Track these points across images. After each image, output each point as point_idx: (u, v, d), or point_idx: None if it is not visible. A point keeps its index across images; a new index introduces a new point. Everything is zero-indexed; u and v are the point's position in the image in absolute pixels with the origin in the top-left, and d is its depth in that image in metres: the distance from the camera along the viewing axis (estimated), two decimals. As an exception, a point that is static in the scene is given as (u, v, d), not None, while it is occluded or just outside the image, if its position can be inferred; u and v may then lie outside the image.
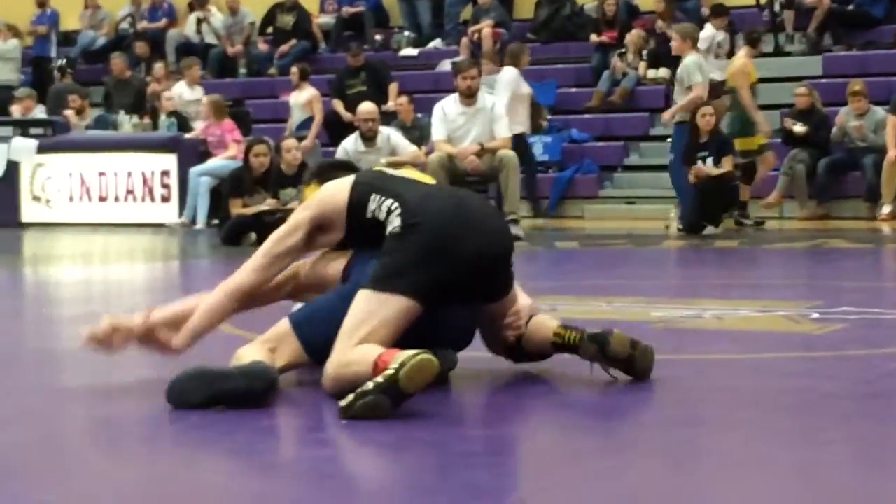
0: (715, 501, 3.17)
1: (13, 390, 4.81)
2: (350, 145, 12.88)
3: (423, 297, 4.37)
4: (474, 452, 3.71)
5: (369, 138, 12.80)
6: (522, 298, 4.84)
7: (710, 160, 12.97)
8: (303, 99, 16.85)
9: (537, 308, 4.91)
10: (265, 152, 12.62)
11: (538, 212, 15.44)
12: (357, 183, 4.69)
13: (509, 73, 14.38)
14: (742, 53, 14.12)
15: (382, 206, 4.52)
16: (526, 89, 14.72)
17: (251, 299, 4.77)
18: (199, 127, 16.17)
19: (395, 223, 4.45)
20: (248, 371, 4.27)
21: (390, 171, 5.05)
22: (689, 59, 13.25)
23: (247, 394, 4.23)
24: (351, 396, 3.98)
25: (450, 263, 4.39)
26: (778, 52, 16.73)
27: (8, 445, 3.86)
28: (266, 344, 4.53)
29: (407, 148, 12.96)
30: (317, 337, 4.50)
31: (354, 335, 4.29)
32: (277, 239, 4.72)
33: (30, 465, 3.60)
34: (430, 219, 4.42)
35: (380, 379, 3.97)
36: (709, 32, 15.15)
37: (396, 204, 4.50)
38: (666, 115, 13.70)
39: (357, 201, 4.62)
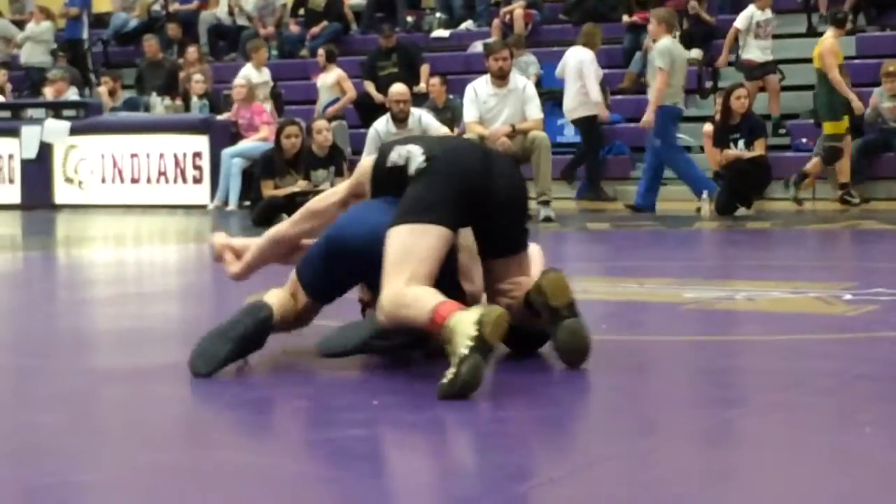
0: (749, 483, 3.16)
1: (48, 372, 4.83)
2: (381, 127, 12.87)
3: (455, 229, 4.50)
4: (505, 433, 3.72)
5: (400, 120, 12.78)
6: (534, 270, 4.76)
7: (741, 143, 12.93)
8: (330, 81, 16.88)
9: None
10: (296, 133, 12.64)
11: (597, 194, 15.25)
12: (383, 144, 5.00)
13: (588, 54, 14.40)
14: (830, 34, 13.92)
15: (402, 152, 4.63)
16: (600, 72, 14.75)
17: (290, 249, 5.08)
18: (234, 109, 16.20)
19: (418, 160, 4.55)
20: (248, 309, 4.58)
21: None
22: (660, 44, 13.18)
23: (258, 326, 4.52)
24: (450, 373, 4.00)
25: (476, 201, 4.51)
26: (811, 32, 16.64)
27: (44, 426, 3.88)
28: (289, 289, 4.77)
29: (438, 129, 12.94)
30: (308, 278, 4.74)
31: (402, 271, 4.33)
32: (318, 198, 5.07)
33: (66, 445, 3.62)
34: (454, 156, 4.58)
35: (470, 343, 3.98)
36: (748, 12, 15.09)
37: (417, 147, 4.62)
38: (646, 119, 13.50)
39: (381, 158, 4.76)
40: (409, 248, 4.36)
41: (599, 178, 15.24)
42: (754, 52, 15.03)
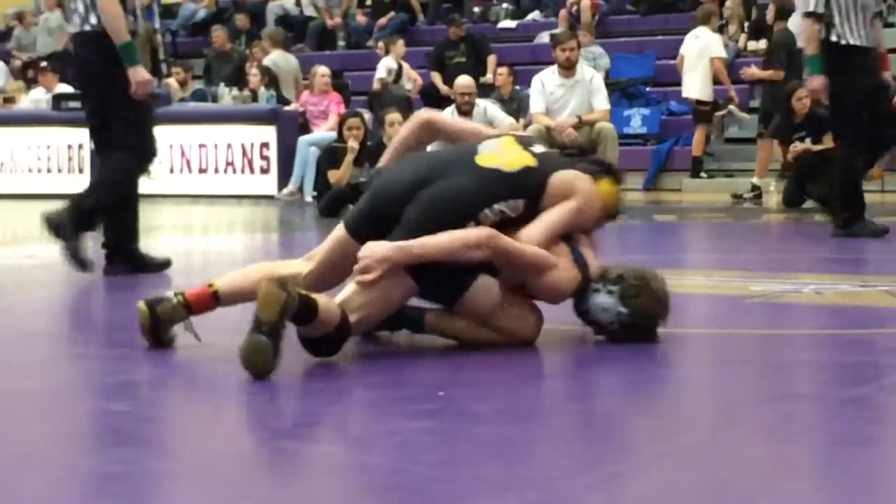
0: (816, 478, 3.15)
1: (117, 360, 4.88)
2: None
3: (352, 229, 4.84)
4: (572, 426, 3.72)
5: (465, 112, 12.77)
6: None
7: (808, 141, 12.83)
8: (389, 73, 16.98)
9: None
10: (358, 125, 12.62)
11: None
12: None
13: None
14: None
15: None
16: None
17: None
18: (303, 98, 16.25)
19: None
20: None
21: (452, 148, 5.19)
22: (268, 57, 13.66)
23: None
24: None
25: (394, 216, 4.73)
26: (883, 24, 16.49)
27: (113, 414, 3.93)
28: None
29: (504, 120, 12.91)
30: None
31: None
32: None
33: (135, 433, 3.65)
34: (383, 182, 4.88)
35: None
36: None
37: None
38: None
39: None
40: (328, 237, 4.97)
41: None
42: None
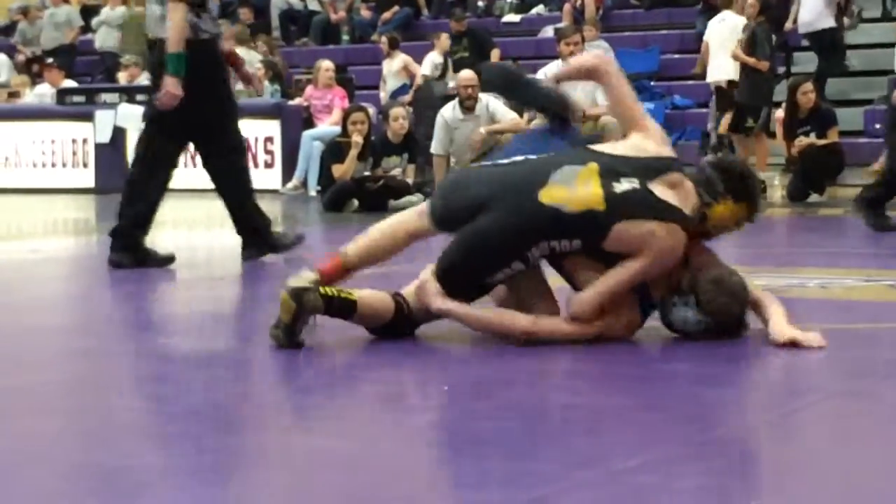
0: (821, 475, 3.15)
1: (123, 355, 4.89)
2: (449, 114, 12.82)
3: (433, 214, 4.86)
4: (576, 421, 3.72)
5: (468, 107, 12.72)
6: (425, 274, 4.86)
7: (812, 136, 12.80)
8: (395, 67, 16.92)
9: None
10: (362, 120, 12.60)
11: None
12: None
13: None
14: None
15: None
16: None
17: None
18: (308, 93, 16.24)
19: None
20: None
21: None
22: None
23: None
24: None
25: (462, 216, 4.78)
26: (885, 17, 16.51)
27: (120, 409, 3.93)
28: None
29: (506, 115, 12.86)
30: None
31: None
32: None
33: (141, 427, 3.66)
34: (462, 183, 4.94)
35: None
36: None
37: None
38: None
39: None
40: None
41: None
42: None
